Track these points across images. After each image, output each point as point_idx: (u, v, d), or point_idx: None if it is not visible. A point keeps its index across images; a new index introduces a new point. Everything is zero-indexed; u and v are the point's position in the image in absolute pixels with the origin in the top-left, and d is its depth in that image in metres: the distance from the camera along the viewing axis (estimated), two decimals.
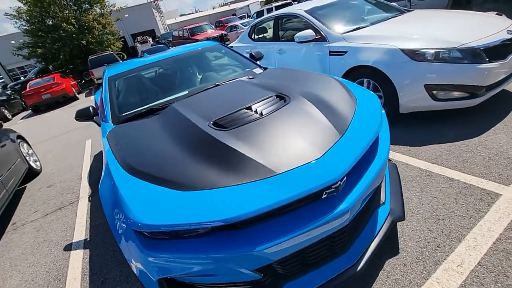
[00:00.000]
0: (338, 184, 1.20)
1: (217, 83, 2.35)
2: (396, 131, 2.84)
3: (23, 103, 12.03)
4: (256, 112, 1.64)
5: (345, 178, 1.26)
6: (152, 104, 2.26)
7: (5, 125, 4.60)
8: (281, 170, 1.21)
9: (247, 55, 4.96)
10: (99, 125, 2.49)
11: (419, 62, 2.58)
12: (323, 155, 1.27)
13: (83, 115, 2.37)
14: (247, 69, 2.73)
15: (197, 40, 14.34)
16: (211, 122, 1.61)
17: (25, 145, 4.46)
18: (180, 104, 2.01)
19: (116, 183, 1.37)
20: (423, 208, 1.87)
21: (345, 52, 3.17)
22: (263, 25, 4.86)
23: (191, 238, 1.17)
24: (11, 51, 15.64)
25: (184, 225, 1.11)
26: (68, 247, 2.45)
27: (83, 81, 15.63)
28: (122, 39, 19.51)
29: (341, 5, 3.95)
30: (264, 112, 1.61)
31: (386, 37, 2.89)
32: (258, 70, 2.69)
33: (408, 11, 3.77)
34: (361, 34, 3.15)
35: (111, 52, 13.35)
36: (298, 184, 1.17)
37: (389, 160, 2.05)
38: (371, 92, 1.89)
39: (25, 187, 4.07)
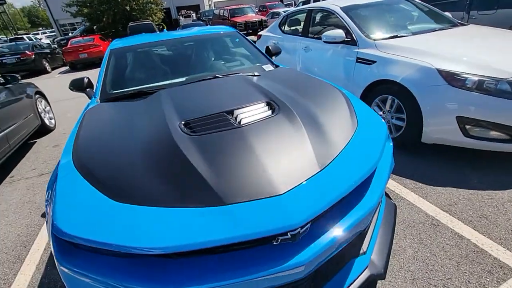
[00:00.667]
0: (296, 231, 0.97)
1: (217, 75, 2.15)
2: (412, 161, 2.49)
3: (63, 58, 12.64)
4: (235, 118, 1.43)
5: (309, 225, 1.03)
6: (144, 86, 2.11)
7: (43, 77, 4.75)
8: (231, 201, 1.00)
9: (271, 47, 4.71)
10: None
11: (456, 88, 2.17)
12: (286, 192, 1.03)
13: (76, 85, 2.29)
14: (257, 64, 2.49)
15: (235, 22, 14.10)
16: (183, 122, 1.42)
17: (43, 101, 4.60)
18: (167, 92, 1.84)
19: (58, 171, 1.24)
20: (416, 265, 1.57)
21: (373, 62, 2.79)
22: (296, 17, 4.50)
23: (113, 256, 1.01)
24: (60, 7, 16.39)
25: (108, 245, 0.94)
26: (45, 214, 2.45)
27: None
28: (165, 10, 19.69)
29: (385, 8, 3.50)
30: (243, 121, 1.39)
31: (424, 52, 2.48)
32: (268, 67, 2.43)
33: (463, 25, 3.25)
34: (397, 44, 2.74)
35: (151, 22, 13.45)
36: (246, 223, 0.95)
37: (388, 196, 1.75)
38: (379, 117, 1.58)
39: (36, 142, 4.22)
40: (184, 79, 2.19)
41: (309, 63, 3.91)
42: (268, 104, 1.56)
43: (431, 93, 2.29)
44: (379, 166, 1.36)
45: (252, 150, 1.20)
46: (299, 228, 0.98)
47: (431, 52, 2.45)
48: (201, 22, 15.90)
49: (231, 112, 1.48)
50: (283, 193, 1.02)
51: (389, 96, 2.67)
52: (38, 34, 32.92)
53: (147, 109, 1.67)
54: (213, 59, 2.58)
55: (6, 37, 31.94)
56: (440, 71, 2.25)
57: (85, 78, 2.30)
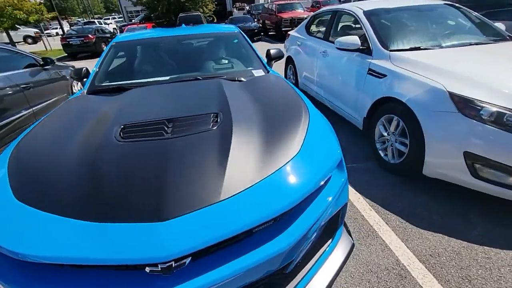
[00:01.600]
0: (168, 264, 0.90)
1: (198, 77, 2.11)
2: (407, 194, 2.18)
3: None
4: (172, 128, 1.37)
5: (189, 258, 0.94)
6: (125, 82, 2.17)
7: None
8: (107, 220, 0.96)
9: (295, 48, 4.49)
10: None
11: (468, 118, 1.81)
12: (170, 219, 0.95)
13: (76, 75, 2.45)
14: (249, 68, 2.38)
15: (281, 18, 13.87)
16: (122, 126, 1.41)
17: (79, 83, 5.08)
18: (137, 91, 1.87)
19: None
20: None
21: (384, 76, 2.47)
22: (322, 19, 4.22)
23: None
24: None
25: None
26: None
27: None
28: (217, 2, 20.18)
29: (419, 14, 3.06)
30: (176, 132, 1.33)
31: (441, 70, 2.11)
32: (259, 72, 2.31)
33: None
34: (413, 57, 2.38)
35: (200, 14, 13.97)
36: (117, 246, 0.91)
37: (349, 233, 1.55)
38: (336, 149, 1.39)
39: None
40: (167, 78, 2.20)
41: (324, 70, 3.64)
42: (215, 116, 1.47)
43: (437, 119, 1.95)
44: (316, 204, 1.19)
45: (163, 166, 1.13)
46: (172, 262, 0.90)
47: (449, 71, 2.07)
48: (249, 16, 16.05)
49: (172, 120, 1.43)
50: (165, 221, 0.95)
51: (395, 116, 2.35)
52: (109, 19, 36.52)
53: (112, 105, 1.70)
54: (205, 59, 2.53)
55: (84, 20, 35.93)
56: (452, 95, 1.89)
57: (83, 69, 2.45)
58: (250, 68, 2.39)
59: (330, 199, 1.22)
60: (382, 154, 2.58)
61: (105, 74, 2.32)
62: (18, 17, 11.21)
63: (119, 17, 38.68)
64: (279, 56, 2.68)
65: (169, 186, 1.05)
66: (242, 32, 2.77)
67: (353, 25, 3.28)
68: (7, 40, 12.79)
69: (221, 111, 1.50)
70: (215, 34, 2.78)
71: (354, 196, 2.23)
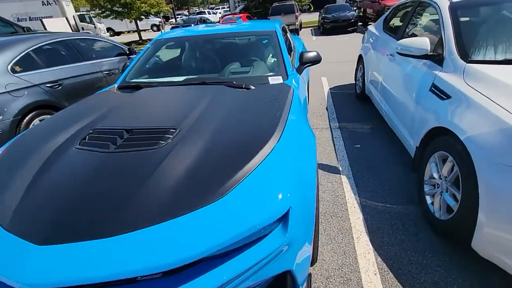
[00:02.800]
0: None
1: (204, 81, 2.01)
2: (451, 270, 1.57)
3: None
4: (122, 140, 1.33)
5: None
6: (145, 80, 2.26)
7: None
8: (11, 231, 0.98)
9: (367, 46, 3.81)
10: None
11: None
12: (45, 245, 0.91)
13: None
14: (266, 74, 2.12)
15: (384, 6, 12.07)
16: (91, 131, 1.46)
17: None
18: (139, 93, 1.93)
19: None
20: None
21: (448, 97, 1.79)
22: (403, 10, 3.38)
23: None
24: None
25: None
26: None
27: None
28: None
29: None
30: (123, 147, 1.29)
31: None
32: (275, 80, 2.03)
33: None
34: (496, 74, 1.61)
35: (292, 3, 13.63)
36: (4, 259, 0.93)
37: None
38: (285, 197, 1.06)
39: None
40: (182, 79, 2.18)
41: (388, 77, 2.94)
42: (172, 131, 1.36)
43: (504, 176, 1.27)
44: (221, 269, 0.95)
45: (83, 186, 1.11)
46: None
47: None
48: (347, 4, 14.65)
49: (130, 131, 1.39)
50: (42, 245, 0.92)
51: (450, 156, 1.68)
52: (218, 9, 40.12)
53: (110, 106, 1.79)
54: (226, 61, 2.39)
55: (194, 10, 40.36)
56: None
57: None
58: (269, 73, 2.13)
59: (246, 268, 0.95)
60: (428, 201, 1.92)
61: (137, 70, 2.48)
62: (143, 9, 13.61)
63: (227, 7, 41.97)
64: (313, 61, 2.29)
65: (68, 210, 1.02)
66: (280, 32, 2.48)
67: (434, 23, 2.48)
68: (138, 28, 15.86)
69: (181, 126, 1.38)
70: (248, 33, 2.59)
71: (363, 249, 1.75)
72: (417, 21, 2.84)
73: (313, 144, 1.47)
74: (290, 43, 3.16)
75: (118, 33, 24.71)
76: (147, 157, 1.19)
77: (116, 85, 2.35)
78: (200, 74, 2.28)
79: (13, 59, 2.98)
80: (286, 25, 13.59)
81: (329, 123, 3.67)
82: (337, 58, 7.60)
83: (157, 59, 2.66)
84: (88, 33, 17.36)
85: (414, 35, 2.73)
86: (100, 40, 4.32)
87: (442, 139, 1.78)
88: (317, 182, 1.37)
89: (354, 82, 4.73)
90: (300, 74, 2.33)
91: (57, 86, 3.27)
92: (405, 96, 2.43)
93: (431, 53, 2.11)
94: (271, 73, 2.13)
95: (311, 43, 11.04)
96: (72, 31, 15.87)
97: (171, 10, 17.77)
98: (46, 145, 1.40)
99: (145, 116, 1.58)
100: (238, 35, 2.59)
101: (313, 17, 18.34)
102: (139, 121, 1.50)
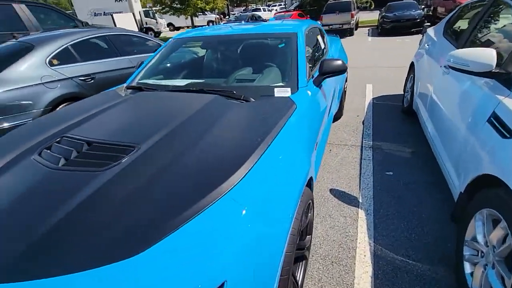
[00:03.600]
0: None
1: (203, 88, 1.80)
2: None
3: None
4: (71, 155, 1.20)
5: None
6: (148, 82, 2.13)
7: None
8: None
9: (421, 52, 3.23)
10: None
11: None
12: None
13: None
14: (274, 84, 1.82)
15: (458, 4, 10.43)
16: (60, 138, 1.36)
17: None
18: (134, 98, 1.79)
19: None
20: None
21: (509, 135, 1.27)
22: (474, 11, 2.70)
23: None
24: None
25: None
26: None
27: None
28: None
29: None
30: (68, 163, 1.15)
31: None
32: (282, 92, 1.72)
33: None
34: None
35: (350, 0, 12.67)
36: None
37: None
38: (226, 259, 0.78)
39: None
40: (185, 83, 2.01)
41: (439, 94, 2.37)
42: (129, 150, 1.17)
43: None
44: None
45: (4, 211, 0.98)
46: None
47: None
48: (414, 2, 13.07)
49: (90, 144, 1.25)
50: None
51: (503, 220, 1.19)
52: (275, 6, 39.86)
53: (97, 109, 1.69)
54: (235, 66, 2.13)
55: (251, 7, 40.80)
56: None
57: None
58: (277, 84, 1.82)
59: None
60: (467, 269, 1.43)
61: (148, 70, 2.37)
62: (198, 6, 14.09)
63: (284, 4, 41.46)
64: (335, 71, 1.90)
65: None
66: (302, 35, 2.12)
67: (506, 28, 1.87)
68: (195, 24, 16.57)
69: (142, 145, 1.19)
70: (266, 35, 2.28)
71: None
72: (487, 26, 2.21)
73: (297, 188, 1.15)
74: (321, 48, 2.78)
75: (178, 28, 26.28)
76: (84, 183, 1.02)
77: (124, 85, 2.29)
78: (207, 78, 2.09)
79: (51, 53, 3.17)
80: (340, 24, 12.80)
81: (362, 140, 3.18)
82: (390, 63, 6.78)
83: (171, 59, 2.52)
84: (150, 28, 18.75)
85: (479, 43, 2.13)
86: (138, 36, 4.45)
87: (495, 193, 1.28)
88: (293, 241, 1.05)
89: (403, 93, 4.07)
90: (318, 86, 1.97)
91: (89, 79, 3.42)
92: (455, 121, 1.89)
93: (497, 71, 1.57)
94: (279, 84, 1.82)
95: (364, 44, 10.13)
96: (137, 25, 17.26)
97: (226, 7, 18.08)
98: (16, 148, 1.35)
99: (118, 126, 1.44)
100: (255, 37, 2.31)
101: (373, 16, 16.92)
102: (108, 132, 1.37)
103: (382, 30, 11.91)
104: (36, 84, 2.95)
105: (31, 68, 2.97)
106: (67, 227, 0.87)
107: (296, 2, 22.00)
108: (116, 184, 1.00)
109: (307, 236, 1.58)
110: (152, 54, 2.53)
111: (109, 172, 1.05)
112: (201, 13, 15.65)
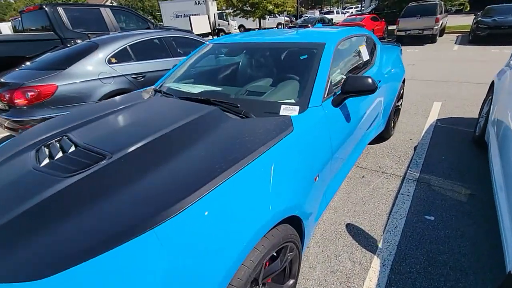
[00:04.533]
0: None
1: (210, 98, 1.71)
2: None
3: None
4: (61, 155, 1.24)
5: None
6: (173, 86, 2.14)
7: None
8: None
9: (507, 70, 2.60)
10: None
11: None
12: None
13: None
14: (282, 100, 1.62)
15: None
16: (60, 137, 1.44)
17: None
18: (148, 101, 1.84)
19: None
20: None
21: None
22: None
23: None
24: None
25: None
26: None
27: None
28: None
29: None
30: (48, 166, 1.19)
31: None
32: (288, 110, 1.52)
33: None
34: None
35: (436, 2, 11.04)
36: None
37: None
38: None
39: None
40: (199, 91, 1.97)
41: None
42: (98, 159, 1.17)
43: None
44: None
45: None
46: None
47: None
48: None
49: (77, 146, 1.30)
50: None
51: None
52: (351, 8, 37.77)
53: (109, 110, 1.76)
54: (252, 78, 1.97)
55: (326, 10, 39.38)
56: None
57: None
58: (287, 99, 1.62)
59: None
60: None
61: (174, 75, 2.40)
62: (267, 8, 14.27)
63: (362, 7, 38.94)
64: (361, 90, 1.59)
65: None
66: (331, 47, 1.85)
67: None
68: (263, 26, 16.91)
69: (114, 155, 1.18)
70: (291, 44, 2.06)
71: None
72: None
73: (253, 228, 0.96)
74: (362, 60, 2.42)
75: (248, 30, 27.28)
76: (44, 187, 1.04)
77: (152, 87, 2.39)
78: (224, 86, 2.01)
79: (111, 52, 3.56)
80: (420, 30, 11.38)
81: (407, 169, 2.68)
82: (474, 78, 5.65)
83: (197, 64, 2.51)
84: (222, 29, 19.85)
85: None
86: (190, 38, 4.68)
87: None
88: None
89: (478, 117, 3.30)
90: (339, 106, 1.69)
91: (140, 77, 3.73)
92: None
93: None
94: (289, 100, 1.61)
95: (445, 54, 8.73)
96: (211, 27, 18.52)
97: (294, 10, 17.92)
98: (26, 143, 1.49)
99: (108, 131, 1.47)
100: (279, 45, 2.11)
101: (467, 20, 14.49)
102: (97, 137, 1.40)
103: (474, 37, 10.07)
104: (94, 79, 3.34)
105: (92, 65, 3.38)
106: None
107: (374, 4, 20.39)
108: (63, 196, 1.00)
109: (290, 281, 1.36)
110: (185, 57, 2.58)
111: (67, 181, 1.06)
112: (270, 15, 15.81)
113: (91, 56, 3.43)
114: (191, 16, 17.86)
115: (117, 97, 2.20)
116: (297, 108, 1.54)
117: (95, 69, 3.38)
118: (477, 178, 2.46)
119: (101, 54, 3.49)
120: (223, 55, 2.46)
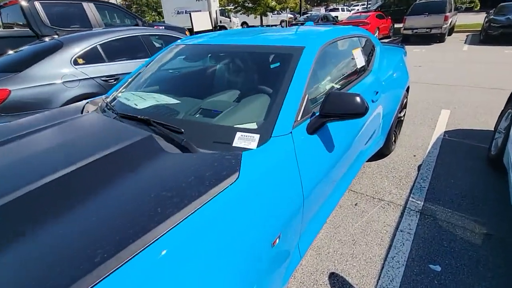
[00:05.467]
0: None
1: (150, 118, 1.31)
2: None
3: None
4: None
5: None
6: (122, 100, 1.75)
7: None
8: None
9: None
10: None
11: None
12: None
13: None
14: (244, 124, 1.21)
15: None
16: None
17: None
18: (75, 121, 1.46)
19: None
20: None
21: None
22: None
23: None
24: None
25: None
26: None
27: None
28: None
29: None
30: None
31: None
32: (243, 141, 1.12)
33: None
34: None
35: (443, 0, 10.45)
36: None
37: None
38: None
39: None
40: (147, 105, 1.56)
41: None
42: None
43: None
44: None
45: None
46: None
47: None
48: None
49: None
50: None
51: None
52: (357, 5, 36.86)
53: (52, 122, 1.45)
54: (215, 90, 1.57)
55: (332, 7, 38.57)
56: None
57: None
58: (246, 123, 1.21)
59: None
60: None
61: (132, 81, 2.01)
62: (269, 5, 13.76)
63: (362, 4, 37.97)
64: (345, 114, 1.18)
65: None
66: (310, 53, 1.43)
67: None
68: (265, 22, 16.43)
69: (6, 195, 0.81)
70: (264, 48, 1.62)
71: None
72: None
73: None
74: (356, 66, 1.99)
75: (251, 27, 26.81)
76: None
77: (103, 97, 2.00)
78: (182, 97, 1.61)
79: (78, 52, 3.18)
80: (428, 28, 10.98)
81: (408, 196, 2.25)
82: (486, 83, 5.16)
83: (159, 68, 2.09)
84: (223, 26, 19.48)
85: None
86: (176, 37, 4.27)
87: None
88: None
89: (493, 131, 2.84)
90: (317, 132, 1.28)
91: (112, 80, 3.34)
92: None
93: None
94: (248, 125, 1.20)
95: (454, 55, 8.19)
96: (212, 24, 18.03)
97: (297, 6, 17.36)
98: None
99: (18, 159, 1.10)
100: (250, 49, 1.68)
101: (478, 18, 13.84)
102: (6, 163, 1.04)
103: (486, 36, 9.48)
104: (55, 83, 2.96)
105: (54, 67, 3.00)
106: None
107: (380, 1, 19.71)
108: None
109: None
110: (146, 60, 2.19)
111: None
112: (271, 12, 15.30)
113: (54, 56, 3.04)
114: (191, 13, 17.43)
115: (54, 110, 1.82)
116: (257, 137, 1.13)
117: (57, 71, 3.00)
118: (495, 210, 2.03)
119: (66, 54, 3.10)
120: (187, 58, 2.04)
